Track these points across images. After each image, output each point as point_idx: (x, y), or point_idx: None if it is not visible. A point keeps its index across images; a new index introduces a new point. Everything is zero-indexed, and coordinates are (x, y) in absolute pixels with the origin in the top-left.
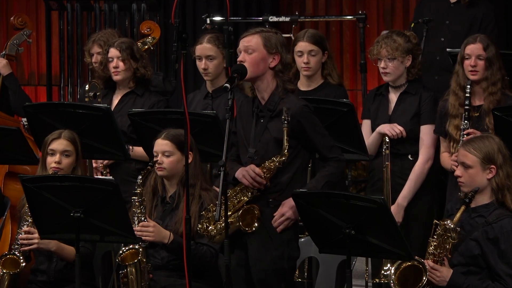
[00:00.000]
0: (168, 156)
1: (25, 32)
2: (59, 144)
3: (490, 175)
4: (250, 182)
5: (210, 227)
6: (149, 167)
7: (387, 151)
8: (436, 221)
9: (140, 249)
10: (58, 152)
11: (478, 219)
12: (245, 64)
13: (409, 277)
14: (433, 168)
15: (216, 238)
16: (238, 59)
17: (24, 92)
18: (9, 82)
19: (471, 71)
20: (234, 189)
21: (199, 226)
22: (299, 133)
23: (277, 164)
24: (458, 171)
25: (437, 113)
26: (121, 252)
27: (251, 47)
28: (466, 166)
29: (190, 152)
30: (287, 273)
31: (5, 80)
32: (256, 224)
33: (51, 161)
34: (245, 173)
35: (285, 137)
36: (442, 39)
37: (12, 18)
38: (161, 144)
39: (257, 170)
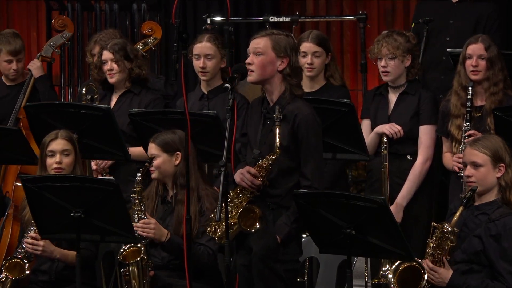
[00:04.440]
0: (155, 159)
1: (64, 35)
2: (57, 144)
3: (500, 173)
4: (249, 185)
5: (219, 230)
6: (146, 164)
7: (385, 151)
8: (434, 224)
9: (142, 247)
10: (58, 152)
11: (481, 216)
12: (253, 66)
13: (408, 278)
14: (432, 169)
15: (223, 240)
16: (246, 61)
17: (54, 94)
18: (40, 84)
19: (472, 71)
20: (235, 190)
21: (208, 229)
22: (298, 139)
23: (270, 162)
24: (468, 171)
25: (439, 114)
26: (122, 250)
27: (259, 50)
28: (477, 165)
29: (178, 153)
30: (283, 275)
31: (36, 82)
32: (257, 225)
33: (52, 162)
34: (242, 176)
35: (277, 135)
36: (448, 39)
37: (53, 21)
38: (149, 148)
39: (253, 171)
